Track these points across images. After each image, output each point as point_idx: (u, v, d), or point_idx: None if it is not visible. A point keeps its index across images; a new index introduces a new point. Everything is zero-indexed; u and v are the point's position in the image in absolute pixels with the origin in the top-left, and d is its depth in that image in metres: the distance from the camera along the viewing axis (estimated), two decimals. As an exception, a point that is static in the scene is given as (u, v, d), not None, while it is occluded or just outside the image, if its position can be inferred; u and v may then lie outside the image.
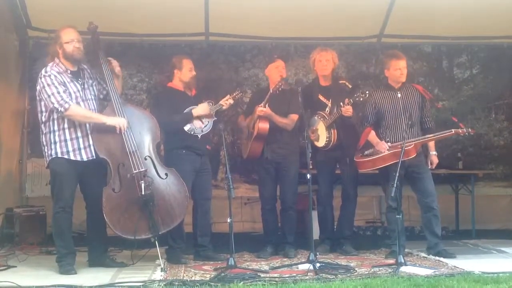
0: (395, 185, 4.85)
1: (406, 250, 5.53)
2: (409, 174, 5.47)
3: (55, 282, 4.28)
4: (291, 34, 7.12)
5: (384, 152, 5.41)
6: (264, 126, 5.62)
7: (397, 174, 4.88)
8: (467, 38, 7.35)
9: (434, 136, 5.48)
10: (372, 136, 5.56)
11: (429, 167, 5.60)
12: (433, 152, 5.63)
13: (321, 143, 5.71)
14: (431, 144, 5.63)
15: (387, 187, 5.25)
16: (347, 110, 5.50)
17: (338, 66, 7.13)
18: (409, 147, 5.27)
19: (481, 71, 7.75)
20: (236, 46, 7.46)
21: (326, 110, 5.74)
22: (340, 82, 5.94)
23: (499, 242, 6.23)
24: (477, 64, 7.76)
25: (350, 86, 5.82)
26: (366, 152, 5.55)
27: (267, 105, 5.60)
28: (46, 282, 4.29)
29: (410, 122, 5.32)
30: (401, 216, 4.97)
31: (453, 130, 5.33)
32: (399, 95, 5.58)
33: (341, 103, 5.53)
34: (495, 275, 4.41)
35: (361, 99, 5.44)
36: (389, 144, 5.43)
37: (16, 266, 5.00)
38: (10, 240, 6.08)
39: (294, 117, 5.70)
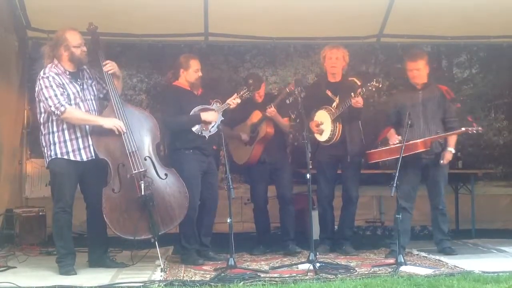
0: (394, 185, 4.85)
1: (406, 249, 5.53)
2: (425, 173, 5.57)
3: (55, 283, 4.29)
4: (291, 34, 7.11)
5: (392, 144, 5.41)
6: (271, 130, 5.78)
7: (397, 174, 4.89)
8: (467, 37, 7.33)
9: (444, 134, 5.47)
10: (390, 133, 5.56)
11: (441, 162, 5.52)
12: (449, 148, 5.54)
13: (324, 136, 5.72)
14: (451, 142, 5.56)
15: (400, 186, 5.19)
16: (357, 101, 5.49)
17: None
18: (416, 141, 5.29)
19: (480, 71, 7.74)
20: (236, 46, 7.46)
21: (333, 105, 5.72)
22: (349, 79, 5.90)
23: (499, 241, 6.23)
24: (476, 64, 7.76)
25: (359, 83, 5.75)
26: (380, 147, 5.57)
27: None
28: (46, 283, 4.30)
29: (410, 122, 5.23)
30: (400, 216, 4.95)
31: (463, 128, 5.33)
32: (420, 94, 5.57)
33: (352, 94, 5.51)
34: (495, 274, 4.41)
35: (374, 88, 5.43)
36: (400, 138, 5.39)
37: (16, 267, 5.00)
38: (10, 240, 6.07)
39: (286, 120, 5.95)
